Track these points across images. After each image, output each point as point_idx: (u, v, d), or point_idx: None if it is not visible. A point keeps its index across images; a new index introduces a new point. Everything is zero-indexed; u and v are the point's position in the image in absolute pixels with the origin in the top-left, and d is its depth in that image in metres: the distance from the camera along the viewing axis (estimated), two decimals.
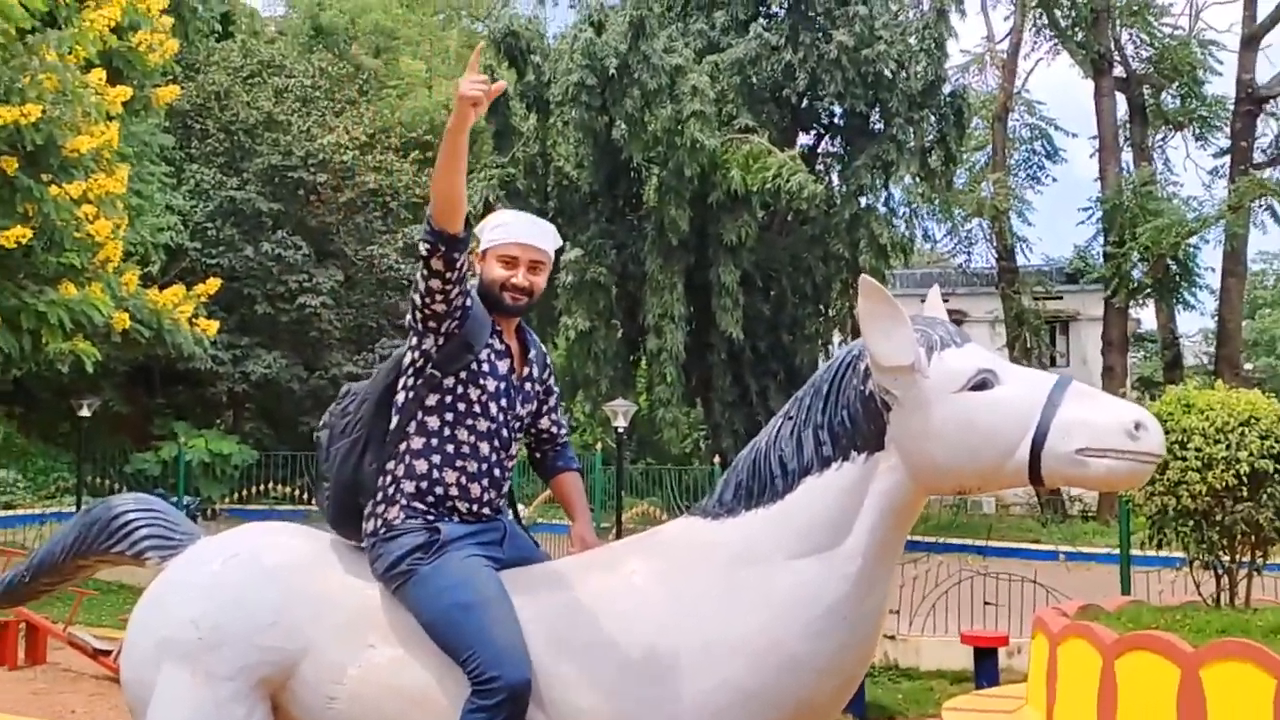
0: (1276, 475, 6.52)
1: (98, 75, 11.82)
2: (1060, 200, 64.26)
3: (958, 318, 35.09)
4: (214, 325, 14.70)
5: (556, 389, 3.56)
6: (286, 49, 29.03)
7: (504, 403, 3.27)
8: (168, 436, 23.05)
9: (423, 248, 3.05)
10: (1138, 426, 2.64)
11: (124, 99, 12.07)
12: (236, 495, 22.89)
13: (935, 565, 13.36)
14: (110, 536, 3.50)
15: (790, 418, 3.00)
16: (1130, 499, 7.98)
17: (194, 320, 14.27)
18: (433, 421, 3.20)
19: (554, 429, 3.55)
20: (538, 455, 3.60)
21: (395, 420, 3.25)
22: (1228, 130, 27.71)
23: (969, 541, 20.60)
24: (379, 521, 3.23)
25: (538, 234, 3.33)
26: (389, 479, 3.24)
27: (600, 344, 22.64)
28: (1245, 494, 6.52)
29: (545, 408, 3.49)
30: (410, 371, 3.23)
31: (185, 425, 23.30)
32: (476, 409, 3.22)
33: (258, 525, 3.63)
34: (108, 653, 9.33)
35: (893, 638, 10.83)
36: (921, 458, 2.81)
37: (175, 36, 13.81)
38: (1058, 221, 76.17)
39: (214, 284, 14.64)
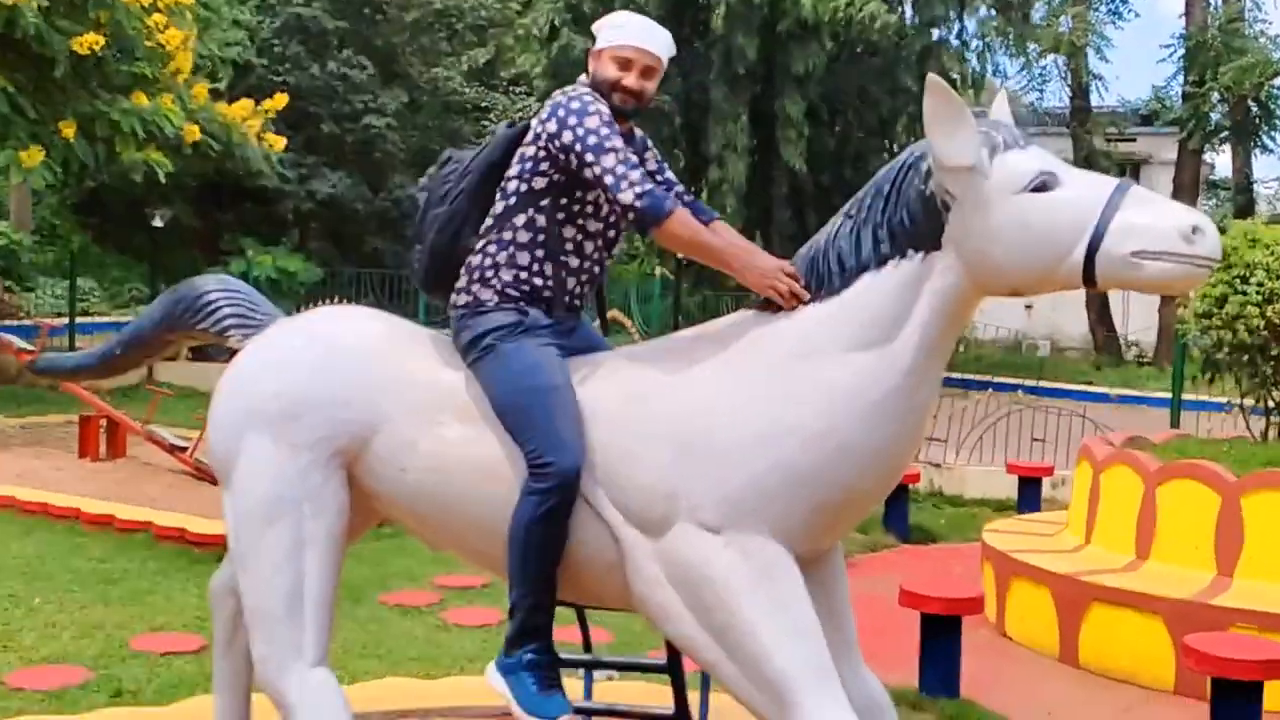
0: None
1: None
2: (1142, 38, 62.10)
3: None
4: (281, 141, 14.80)
5: (655, 158, 3.54)
6: None
7: None
8: (236, 253, 23.42)
9: (633, 210, 3.08)
10: (1195, 230, 2.67)
11: None
12: (302, 311, 23.25)
13: (985, 400, 13.54)
14: (196, 314, 3.66)
15: (850, 216, 3.04)
16: (1187, 334, 8.02)
17: (262, 136, 14.39)
18: (542, 219, 3.25)
19: (664, 185, 3.47)
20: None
21: (503, 205, 3.30)
22: None
23: (1022, 381, 20.70)
24: (470, 297, 3.32)
25: (654, 39, 3.32)
26: (488, 260, 3.30)
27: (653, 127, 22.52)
28: None
29: (657, 177, 3.48)
30: (529, 164, 3.26)
31: (253, 241, 23.64)
32: (590, 209, 3.28)
33: (337, 308, 3.76)
34: (183, 449, 9.78)
35: (938, 465, 11.06)
36: (978, 257, 2.85)
37: None
38: (1138, 60, 73.47)
39: (281, 99, 14.69)
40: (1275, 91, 25.76)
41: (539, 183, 3.25)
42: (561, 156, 3.17)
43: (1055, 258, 2.77)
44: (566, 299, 3.34)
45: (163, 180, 13.21)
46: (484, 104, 27.02)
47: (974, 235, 2.84)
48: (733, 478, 2.93)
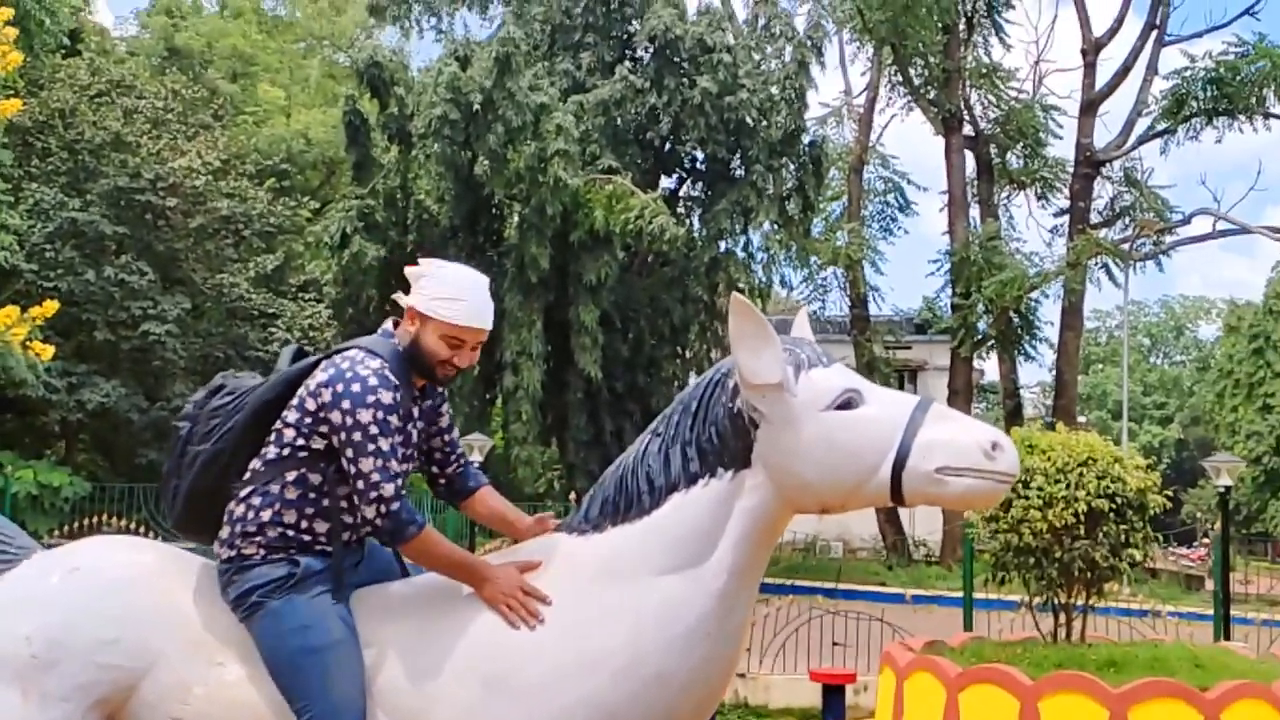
0: (1111, 514, 6.76)
1: None
2: (911, 253, 67.34)
3: None
4: (49, 350, 13.97)
5: (448, 414, 3.43)
6: (138, 69, 28.14)
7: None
8: None
9: (374, 526, 3.00)
10: (994, 446, 2.72)
11: None
12: (67, 529, 21.79)
13: (785, 605, 13.47)
14: None
15: (658, 434, 3.01)
16: (975, 537, 8.15)
17: (27, 344, 13.57)
18: (316, 478, 3.07)
19: (448, 448, 3.40)
20: (442, 481, 3.42)
21: (275, 452, 3.08)
22: (1067, 191, 28.96)
23: (818, 584, 20.86)
24: (233, 551, 3.08)
25: (490, 315, 3.21)
26: (251, 512, 3.09)
27: (456, 380, 22.32)
28: (1082, 532, 6.74)
29: (436, 428, 3.35)
30: (309, 421, 3.06)
31: (12, 455, 22.15)
32: None
33: (101, 538, 3.45)
34: None
35: (743, 675, 10.84)
36: (788, 475, 2.84)
37: (19, 49, 13.23)
38: (909, 273, 78.68)
39: (51, 307, 13.85)
40: (1033, 304, 27.65)
41: (317, 443, 3.06)
42: (329, 430, 3.01)
43: (863, 475, 2.77)
44: (339, 545, 3.11)
45: None
46: (271, 310, 26.47)
47: (782, 452, 2.83)
48: (543, 714, 2.78)
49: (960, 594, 13.30)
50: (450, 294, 3.14)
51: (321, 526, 3.09)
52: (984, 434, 2.75)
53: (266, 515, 3.07)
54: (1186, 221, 27.24)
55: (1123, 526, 6.76)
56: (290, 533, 3.07)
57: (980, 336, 27.58)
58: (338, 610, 3.02)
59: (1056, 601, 7.21)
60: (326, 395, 3.00)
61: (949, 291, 28.96)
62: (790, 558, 24.67)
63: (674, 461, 2.93)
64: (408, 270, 3.24)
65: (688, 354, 25.83)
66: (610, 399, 24.13)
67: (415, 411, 3.18)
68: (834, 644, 11.83)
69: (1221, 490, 13.84)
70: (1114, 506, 6.73)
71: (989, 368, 34.05)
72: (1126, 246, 27.17)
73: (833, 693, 9.80)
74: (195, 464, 3.17)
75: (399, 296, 3.22)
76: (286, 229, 26.63)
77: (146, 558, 3.20)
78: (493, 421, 26.34)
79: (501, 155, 21.27)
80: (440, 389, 3.33)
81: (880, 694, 7.21)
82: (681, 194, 26.21)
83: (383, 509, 2.96)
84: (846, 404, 2.82)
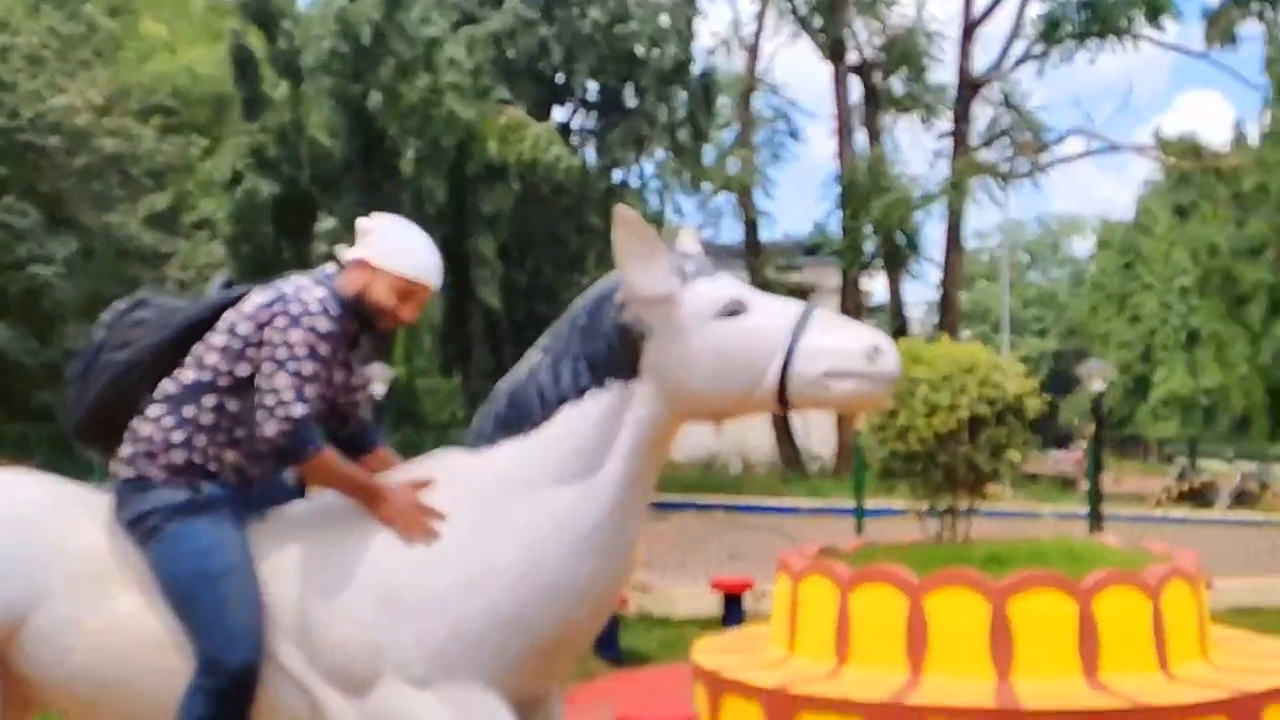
0: (992, 419, 7.20)
1: None
2: (802, 179, 68.11)
3: None
4: None
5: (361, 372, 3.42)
6: (12, 5, 27.09)
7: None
8: None
9: (271, 444, 2.96)
10: (876, 350, 2.83)
11: None
12: None
13: (686, 522, 14.01)
14: None
15: (548, 350, 3.04)
16: (864, 447, 8.68)
17: None
18: (234, 405, 3.06)
19: (354, 406, 3.34)
20: (340, 437, 3.33)
21: (194, 377, 3.08)
22: (950, 114, 29.68)
23: (717, 500, 21.49)
24: (134, 471, 3.07)
25: (440, 272, 3.24)
26: (160, 434, 3.06)
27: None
28: (966, 438, 7.20)
29: (350, 385, 3.33)
30: (237, 345, 3.06)
31: None
32: None
33: None
34: None
35: (646, 590, 11.31)
36: (677, 385, 2.89)
37: None
38: (800, 199, 79.60)
39: None
40: (918, 225, 28.49)
41: (241, 370, 3.06)
42: (257, 354, 3.02)
43: (750, 381, 2.85)
44: (245, 478, 3.14)
45: None
46: (165, 250, 26.00)
47: (671, 363, 2.89)
48: (439, 627, 2.82)
49: (853, 503, 13.99)
50: (405, 247, 3.21)
51: (231, 456, 3.08)
52: (866, 338, 2.84)
53: (178, 437, 3.03)
54: (1061, 140, 28.20)
55: (1003, 430, 7.17)
56: (197, 459, 3.03)
57: (868, 258, 28.29)
58: (237, 537, 3.00)
59: (942, 504, 7.69)
60: (264, 315, 3.01)
61: (839, 215, 29.62)
62: (689, 474, 25.32)
63: (564, 375, 2.95)
64: (358, 222, 3.29)
65: (586, 282, 26.03)
66: (511, 329, 24.34)
67: (342, 357, 3.18)
68: (731, 557, 12.31)
69: (1094, 395, 14.64)
70: (994, 412, 7.13)
71: (878, 288, 35.01)
72: (1005, 167, 28.05)
73: (732, 600, 10.37)
74: (106, 372, 3.13)
75: (342, 250, 3.26)
76: (177, 167, 26.08)
77: (36, 490, 3.19)
78: (396, 356, 26.37)
79: (394, 89, 21.11)
80: (369, 344, 3.35)
81: (776, 598, 7.60)
82: (575, 125, 26.27)
83: (286, 426, 2.92)
84: (733, 313, 2.87)
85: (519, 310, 24.43)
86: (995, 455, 7.25)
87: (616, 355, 2.95)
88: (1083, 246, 68.52)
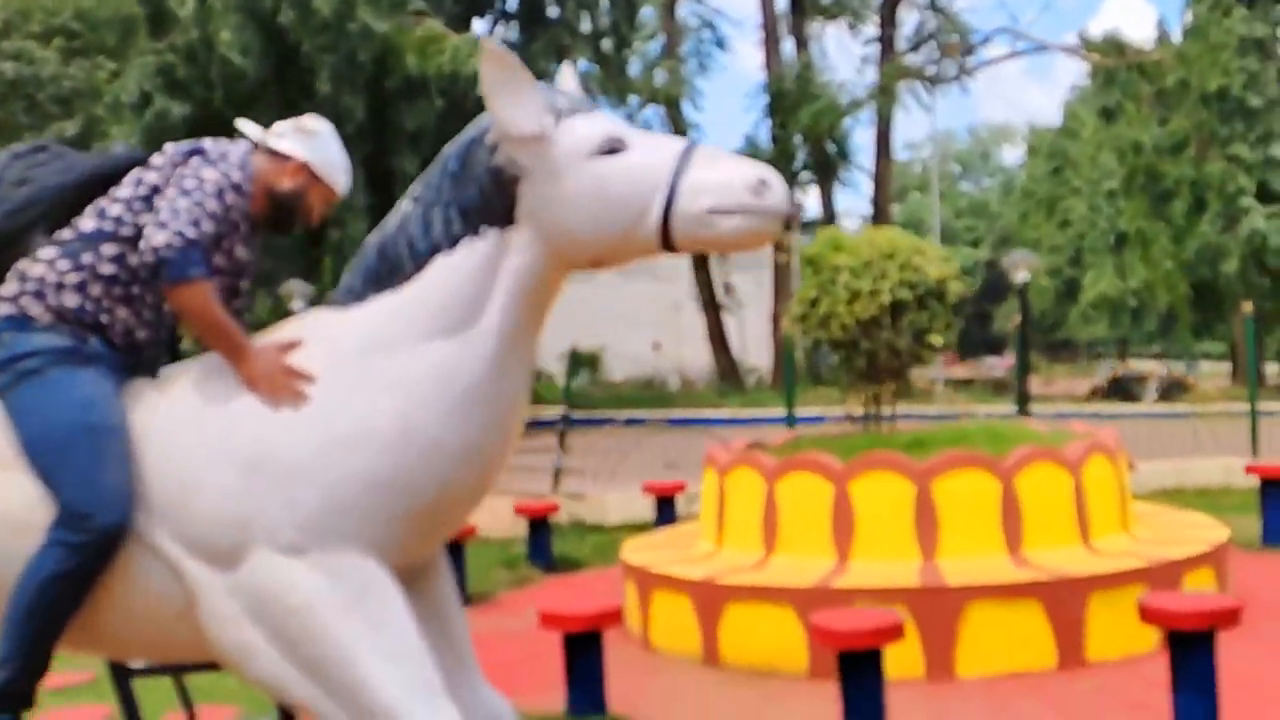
0: (914, 304, 7.14)
1: None
2: (731, 91, 67.51)
3: None
4: None
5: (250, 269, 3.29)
6: None
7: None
8: None
9: (156, 254, 2.82)
10: (762, 183, 2.65)
11: None
12: None
13: (620, 435, 13.95)
14: None
15: (418, 199, 2.87)
16: (791, 339, 8.59)
17: None
18: (134, 257, 2.93)
19: (241, 300, 3.23)
20: None
21: (95, 225, 2.95)
22: (877, 20, 29.48)
23: (652, 414, 21.48)
24: (15, 309, 2.92)
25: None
26: (53, 275, 2.93)
27: (278, 237, 21.82)
28: (888, 323, 7.13)
29: (242, 273, 3.22)
30: (145, 194, 2.96)
31: None
32: None
33: None
34: None
35: (580, 497, 11.26)
36: (555, 229, 2.74)
37: None
38: (729, 112, 79.33)
39: None
40: (846, 132, 28.37)
41: (146, 220, 2.92)
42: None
43: (631, 222, 2.70)
44: (130, 340, 3.01)
45: None
46: None
47: (547, 206, 2.75)
48: (309, 493, 2.66)
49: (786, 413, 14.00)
50: (342, 164, 3.21)
51: (123, 313, 2.97)
52: (751, 171, 2.67)
53: (72, 280, 2.91)
54: (987, 41, 28.15)
55: (925, 314, 7.13)
56: (89, 307, 2.92)
57: (799, 167, 28.20)
58: (118, 398, 2.87)
59: (867, 394, 7.64)
60: (179, 159, 2.96)
61: (768, 126, 29.44)
62: (629, 390, 25.33)
63: (435, 224, 2.79)
64: (296, 120, 3.19)
65: None
66: None
67: (245, 230, 3.09)
68: (666, 467, 12.31)
69: (1019, 285, 14.74)
70: (916, 296, 7.09)
71: (811, 204, 34.97)
72: (933, 71, 27.97)
73: (664, 503, 10.33)
74: (2, 205, 2.98)
75: (270, 136, 3.15)
76: (84, 92, 25.25)
77: None
78: (323, 279, 25.92)
79: (305, 3, 20.47)
80: (254, 247, 3.23)
81: (704, 493, 7.57)
82: (496, 37, 25.72)
83: (176, 241, 2.80)
84: (610, 151, 2.72)
85: None
86: (918, 340, 7.21)
87: (490, 200, 2.79)
88: (1013, 155, 69.11)
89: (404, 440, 2.70)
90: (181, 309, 2.90)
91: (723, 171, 2.69)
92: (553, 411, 13.73)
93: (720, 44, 31.77)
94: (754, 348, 29.68)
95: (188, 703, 3.90)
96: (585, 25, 23.41)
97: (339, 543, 2.66)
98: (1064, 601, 5.91)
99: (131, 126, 22.83)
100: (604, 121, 2.82)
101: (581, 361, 32.31)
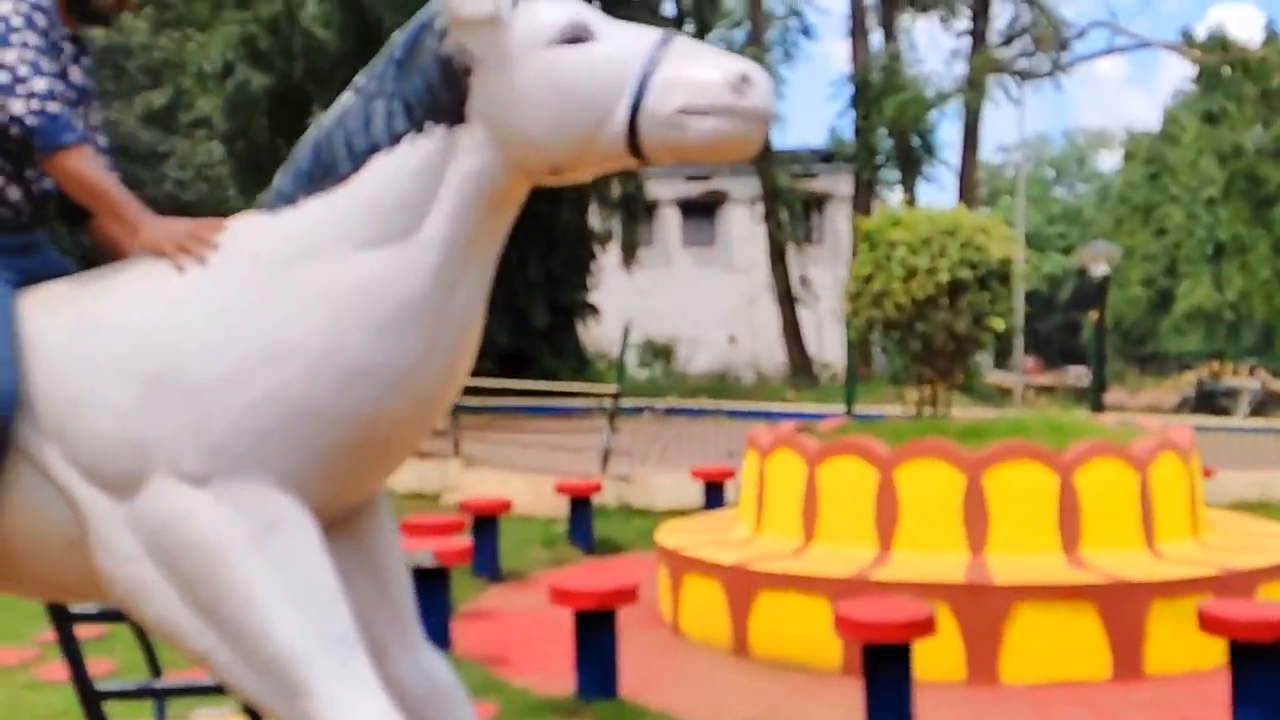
0: (974, 285, 6.71)
1: None
2: (816, 87, 66.25)
3: (719, 197, 35.56)
4: None
5: (99, 111, 3.03)
6: None
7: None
8: None
9: (22, 124, 2.59)
10: (744, 79, 2.32)
11: None
12: None
13: (684, 425, 13.63)
14: None
15: (359, 90, 2.54)
16: (853, 341, 8.21)
17: None
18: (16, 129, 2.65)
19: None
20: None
21: None
22: (969, 12, 28.73)
23: (721, 405, 21.11)
24: None
25: None
26: None
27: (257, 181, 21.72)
28: (946, 303, 6.71)
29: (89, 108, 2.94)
30: None
31: None
32: None
33: None
34: None
35: (627, 479, 10.97)
36: (508, 128, 2.42)
37: None
38: (813, 107, 78.47)
39: None
40: (932, 125, 27.69)
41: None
42: None
43: (593, 122, 2.36)
44: (13, 214, 2.75)
45: None
46: (162, 148, 25.56)
47: (500, 101, 2.41)
48: (217, 416, 2.36)
49: (858, 409, 13.57)
50: None
51: (15, 194, 2.73)
52: (731, 66, 2.34)
53: None
54: (1083, 35, 27.20)
55: (985, 295, 6.71)
56: None
57: (882, 160, 27.62)
58: (5, 295, 2.59)
59: (921, 374, 7.22)
60: None
61: (852, 119, 28.86)
62: (700, 385, 24.98)
63: (376, 119, 2.47)
64: None
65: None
66: None
67: (70, 52, 2.81)
68: (730, 454, 11.96)
69: (1098, 279, 14.12)
70: (977, 276, 6.67)
71: (895, 201, 34.24)
72: (1025, 64, 27.16)
73: (713, 489, 10.00)
74: None
75: None
76: (174, 63, 25.52)
77: None
78: None
79: None
80: (90, 60, 2.96)
81: (745, 476, 7.22)
82: None
83: (34, 105, 2.54)
84: (574, 39, 2.39)
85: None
86: (977, 323, 6.77)
87: (437, 93, 2.44)
88: (1110, 161, 67.25)
89: (331, 360, 2.38)
90: (68, 184, 2.63)
91: (700, 67, 2.35)
92: (605, 391, 13.38)
93: (807, 33, 31.26)
94: (829, 343, 29.14)
95: (152, 657, 3.64)
96: (669, 8, 23.06)
97: (249, 473, 2.35)
98: (1122, 608, 5.47)
99: (216, 99, 23.01)
100: (571, 6, 2.45)
101: (657, 353, 32.03)
